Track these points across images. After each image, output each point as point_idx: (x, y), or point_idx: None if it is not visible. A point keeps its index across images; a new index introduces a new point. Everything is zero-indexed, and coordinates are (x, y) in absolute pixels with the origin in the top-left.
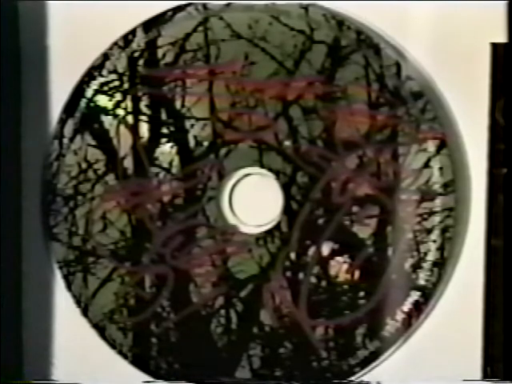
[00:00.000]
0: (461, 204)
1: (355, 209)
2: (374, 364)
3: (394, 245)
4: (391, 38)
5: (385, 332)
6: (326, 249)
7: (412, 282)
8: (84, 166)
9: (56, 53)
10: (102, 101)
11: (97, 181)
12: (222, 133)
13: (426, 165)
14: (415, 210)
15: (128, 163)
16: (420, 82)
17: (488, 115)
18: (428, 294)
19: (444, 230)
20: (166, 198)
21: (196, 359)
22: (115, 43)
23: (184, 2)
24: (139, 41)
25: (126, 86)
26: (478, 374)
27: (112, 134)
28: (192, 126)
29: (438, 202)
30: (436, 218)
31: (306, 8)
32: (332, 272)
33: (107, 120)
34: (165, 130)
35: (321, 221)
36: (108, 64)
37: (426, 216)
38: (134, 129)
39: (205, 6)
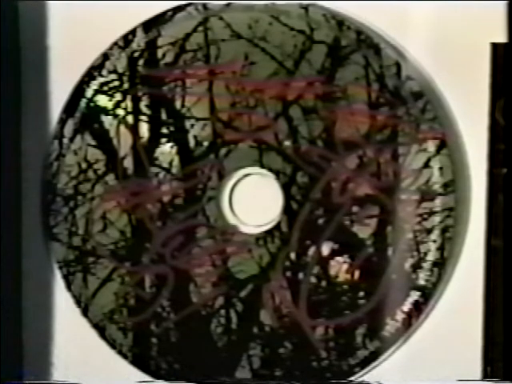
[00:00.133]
0: (461, 204)
1: (355, 209)
2: (373, 364)
3: (393, 245)
4: (391, 38)
5: (385, 332)
6: (325, 249)
7: (412, 281)
8: (84, 166)
9: (56, 53)
10: (102, 101)
11: (97, 181)
12: (222, 133)
13: (426, 165)
14: (415, 209)
15: (128, 163)
16: (420, 82)
17: (488, 115)
18: (428, 294)
19: (444, 230)
20: (166, 198)
21: (196, 359)
22: (115, 43)
23: (184, 2)
24: (139, 41)
25: (125, 85)
26: (478, 374)
27: (112, 134)
28: (192, 125)
29: (438, 202)
30: (436, 218)
31: (306, 8)
32: (332, 272)
33: (107, 120)
34: (165, 130)
35: (321, 221)
36: (108, 64)
37: (426, 216)
38: (134, 129)
39: (205, 6)
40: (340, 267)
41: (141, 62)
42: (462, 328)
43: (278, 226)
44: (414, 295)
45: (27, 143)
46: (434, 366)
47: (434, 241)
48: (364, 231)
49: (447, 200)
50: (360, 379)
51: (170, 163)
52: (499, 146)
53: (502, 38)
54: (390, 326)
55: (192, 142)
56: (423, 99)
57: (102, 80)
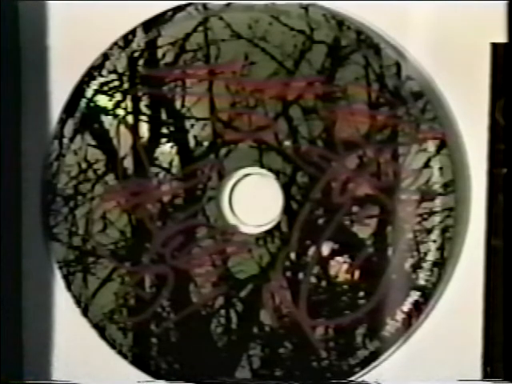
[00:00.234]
0: (461, 204)
1: (355, 209)
2: (374, 364)
3: (393, 245)
4: (391, 38)
5: (385, 332)
6: (325, 249)
7: (412, 281)
8: (84, 165)
9: (56, 53)
10: (102, 101)
11: (97, 181)
12: (222, 133)
13: (426, 165)
14: (415, 209)
15: (128, 163)
16: (420, 82)
17: (488, 115)
18: (428, 294)
19: (444, 230)
20: (166, 198)
21: (196, 359)
22: (115, 43)
23: (184, 2)
24: (139, 41)
25: (125, 85)
26: (478, 374)
27: (112, 134)
28: (192, 125)
29: (438, 202)
30: (436, 218)
31: (306, 8)
32: (332, 272)
33: (107, 120)
34: (165, 130)
35: (321, 221)
36: (108, 64)
37: (426, 216)
38: (134, 129)
39: (205, 6)
40: (340, 267)
41: (141, 62)
42: (462, 328)
43: (278, 226)
44: (414, 295)
45: (27, 143)
46: (434, 366)
47: (434, 241)
48: (364, 231)
49: (447, 200)
50: (360, 379)
51: (170, 163)
52: (499, 146)
53: (502, 38)
54: (390, 326)
55: (192, 142)
56: (423, 99)
57: (101, 80)
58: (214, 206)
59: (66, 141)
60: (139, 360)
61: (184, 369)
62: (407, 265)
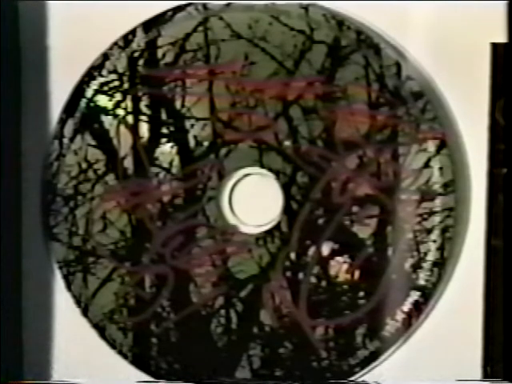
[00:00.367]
0: (461, 204)
1: (355, 209)
2: (374, 364)
3: (393, 245)
4: (391, 38)
5: (385, 332)
6: (325, 249)
7: (412, 281)
8: (84, 165)
9: (56, 53)
10: (102, 101)
11: (97, 181)
12: (222, 133)
13: (426, 165)
14: (415, 210)
15: (128, 163)
16: (420, 82)
17: (488, 115)
18: (428, 294)
19: (444, 230)
20: (165, 198)
21: (196, 359)
22: (115, 43)
23: (184, 2)
24: (139, 41)
25: (126, 85)
26: (478, 374)
27: (112, 134)
28: (192, 125)
29: (438, 202)
30: (436, 218)
31: (306, 8)
32: (332, 272)
33: (107, 120)
34: (165, 130)
35: (321, 221)
36: (108, 64)
37: (426, 216)
38: (134, 129)
39: (205, 6)
40: (340, 267)
41: (141, 62)
42: (461, 328)
43: (278, 226)
44: (414, 295)
45: (27, 143)
46: (433, 366)
47: (434, 241)
48: (364, 231)
49: (447, 200)
50: (360, 379)
51: (170, 163)
52: (499, 146)
53: (502, 38)
54: (390, 326)
55: (192, 142)
56: (423, 99)
57: (101, 80)
58: (214, 206)
59: (66, 141)
60: (139, 360)
61: (184, 369)
62: (407, 265)
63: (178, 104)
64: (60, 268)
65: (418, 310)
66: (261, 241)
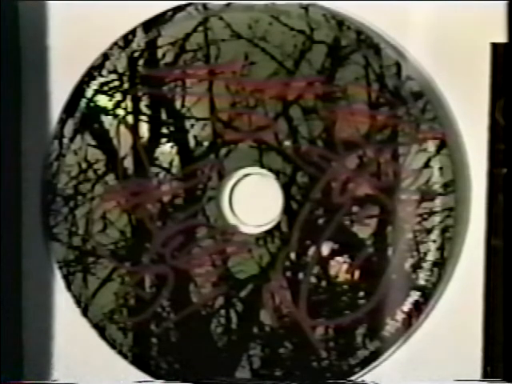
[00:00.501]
0: (461, 204)
1: (355, 209)
2: (374, 364)
3: (393, 245)
4: (391, 37)
5: (385, 332)
6: (325, 249)
7: (412, 281)
8: (84, 165)
9: (56, 53)
10: (102, 101)
11: (97, 181)
12: (222, 133)
13: (426, 165)
14: (415, 210)
15: (128, 163)
16: (420, 82)
17: (488, 115)
18: (428, 294)
19: (444, 230)
20: (166, 198)
21: (196, 359)
22: (115, 43)
23: (184, 2)
24: (139, 41)
25: (126, 85)
26: (478, 374)
27: (112, 134)
28: (192, 125)
29: (438, 202)
30: (436, 218)
31: (306, 8)
32: (332, 272)
33: (107, 120)
34: (165, 130)
35: (321, 221)
36: (108, 64)
37: (426, 216)
38: (134, 129)
39: (205, 6)
40: (340, 267)
41: (141, 62)
42: (461, 328)
43: (278, 226)
44: (414, 295)
45: (27, 143)
46: (433, 365)
47: (434, 241)
48: (364, 231)
49: (447, 200)
50: (360, 379)
51: (170, 163)
52: (499, 146)
53: (502, 38)
54: (390, 326)
55: (192, 142)
56: (423, 99)
57: (102, 80)
58: (214, 206)
59: (66, 141)
60: (139, 360)
61: (184, 369)
62: (407, 265)
63: (178, 104)
64: (60, 268)
65: (418, 309)
66: (261, 241)
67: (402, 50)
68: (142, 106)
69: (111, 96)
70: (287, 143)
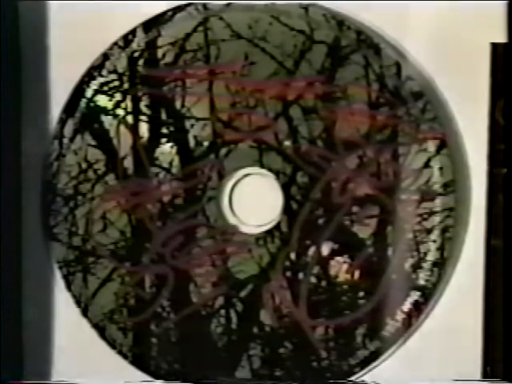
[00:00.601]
0: (461, 204)
1: (355, 209)
2: (374, 364)
3: (393, 245)
4: (391, 37)
5: (385, 332)
6: (325, 249)
7: (412, 281)
8: (84, 165)
9: (56, 53)
10: (102, 101)
11: (97, 181)
12: (222, 133)
13: (426, 165)
14: (415, 209)
15: (128, 163)
16: (420, 82)
17: (488, 115)
18: (428, 294)
19: (444, 230)
20: (166, 198)
21: (196, 359)
22: (115, 43)
23: (184, 2)
24: (139, 41)
25: (126, 85)
26: (478, 374)
27: (112, 133)
28: (192, 125)
29: (438, 202)
30: (436, 218)
31: (306, 8)
32: (332, 272)
33: (107, 120)
34: (165, 130)
35: (321, 221)
36: (108, 64)
37: (426, 216)
38: (134, 129)
39: (205, 6)
40: (340, 267)
41: (141, 62)
42: (461, 328)
43: (278, 226)
44: (414, 295)
45: (27, 143)
46: (433, 365)
47: (434, 241)
48: (364, 231)
49: (447, 200)
50: (360, 379)
51: (170, 163)
52: (499, 146)
53: (501, 38)
54: (390, 326)
55: (192, 142)
56: (423, 99)
57: (102, 80)
58: (214, 206)
59: (66, 141)
60: (139, 360)
61: (184, 369)
62: (407, 265)
63: (178, 104)
64: (60, 268)
65: (418, 310)
66: (261, 241)
67: (402, 50)
68: (142, 105)
69: (111, 96)
70: (287, 143)
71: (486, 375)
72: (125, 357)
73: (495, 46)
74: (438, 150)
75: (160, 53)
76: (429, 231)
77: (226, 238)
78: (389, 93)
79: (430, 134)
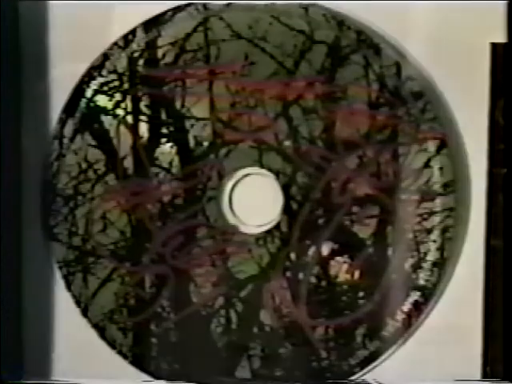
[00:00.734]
0: (461, 204)
1: (355, 209)
2: (373, 364)
3: (393, 245)
4: (391, 37)
5: (385, 332)
6: (325, 249)
7: (412, 281)
8: (84, 166)
9: (56, 53)
10: (102, 101)
11: (97, 181)
12: (222, 133)
13: (426, 165)
14: (415, 210)
15: (128, 163)
16: (420, 82)
17: (488, 115)
18: (428, 294)
19: (444, 230)
20: (166, 198)
21: (196, 359)
22: (115, 43)
23: (184, 2)
24: (139, 41)
25: (125, 86)
26: (478, 374)
27: (112, 133)
28: (192, 125)
29: (438, 202)
30: (436, 218)
31: (306, 8)
32: (332, 272)
33: (107, 120)
34: (165, 130)
35: (321, 221)
36: (108, 64)
37: (426, 216)
38: (134, 129)
39: (205, 6)
40: (340, 267)
41: (141, 62)
42: (461, 328)
43: (277, 226)
44: (414, 295)
45: (27, 143)
46: (433, 365)
47: (434, 241)
48: (364, 231)
49: (447, 200)
50: (360, 379)
51: (170, 163)
52: (499, 146)
53: (501, 38)
54: (390, 326)
55: (192, 142)
56: (423, 99)
57: (102, 80)
58: (214, 206)
59: (66, 141)
60: (139, 360)
61: (184, 369)
62: (407, 265)
63: (178, 104)
64: (60, 268)
65: (418, 310)
66: (261, 241)
67: (402, 50)
68: (142, 106)
69: (111, 96)
70: (287, 143)
71: (485, 375)
72: (125, 357)
73: (495, 46)
74: (438, 150)
75: (160, 53)
76: (429, 231)
77: (226, 238)
78: (389, 93)
79: (430, 134)
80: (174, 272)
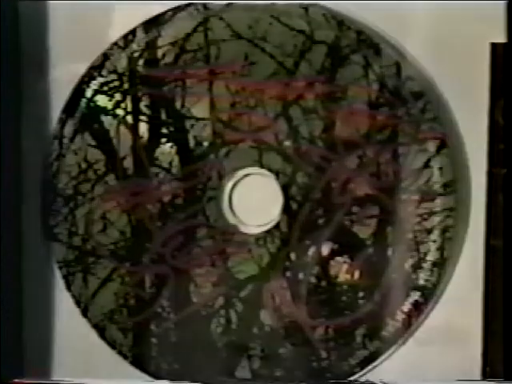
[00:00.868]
0: (461, 204)
1: (355, 209)
2: (373, 364)
3: (393, 245)
4: (391, 37)
5: (385, 332)
6: (325, 249)
7: (412, 281)
8: (84, 166)
9: (56, 53)
10: (102, 101)
11: (97, 181)
12: (222, 133)
13: (426, 165)
14: (415, 210)
15: (128, 163)
16: (420, 82)
17: (488, 115)
18: (428, 294)
19: (444, 230)
20: (166, 198)
21: (196, 359)
22: (115, 43)
23: (184, 2)
24: (139, 41)
25: (125, 86)
26: (478, 374)
27: (112, 133)
28: (192, 126)
29: (438, 202)
30: (436, 218)
31: (306, 8)
32: (332, 272)
33: (107, 120)
34: (165, 130)
35: (321, 221)
36: (108, 64)
37: (426, 216)
38: (134, 129)
39: (205, 6)
40: (340, 267)
41: (141, 62)
42: (461, 328)
43: (277, 226)
44: (414, 295)
45: (27, 143)
46: (434, 365)
47: (434, 241)
48: (364, 231)
49: (447, 200)
50: (360, 379)
51: (170, 163)
52: (499, 146)
53: (501, 38)
54: (390, 326)
55: (192, 142)
56: (423, 99)
57: (102, 80)
58: (214, 206)
59: (66, 141)
60: (139, 360)
61: (184, 369)
62: (407, 265)
63: (178, 104)
64: (60, 268)
65: (418, 310)
66: (261, 241)
67: (402, 50)
68: (142, 106)
69: (111, 96)
70: (287, 143)
71: (485, 375)
72: (125, 357)
73: (495, 46)
74: (438, 150)
75: (160, 53)
76: (429, 231)
77: (225, 238)
78: (389, 93)
79: (430, 134)
80: (174, 272)
